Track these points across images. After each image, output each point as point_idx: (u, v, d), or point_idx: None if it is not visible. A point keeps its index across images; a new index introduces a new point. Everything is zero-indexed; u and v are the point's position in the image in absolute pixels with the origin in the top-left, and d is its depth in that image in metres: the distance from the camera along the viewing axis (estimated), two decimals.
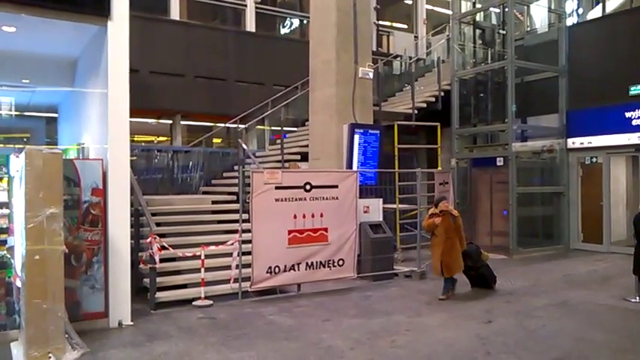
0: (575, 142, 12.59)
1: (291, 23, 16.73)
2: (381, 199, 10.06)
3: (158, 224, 8.19)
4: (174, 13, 13.99)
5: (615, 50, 12.02)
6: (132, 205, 7.10)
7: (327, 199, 8.48)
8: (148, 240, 7.35)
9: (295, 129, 13.65)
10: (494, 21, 14.58)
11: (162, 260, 7.52)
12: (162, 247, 7.45)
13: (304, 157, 11.05)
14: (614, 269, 10.06)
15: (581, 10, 13.75)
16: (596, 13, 13.51)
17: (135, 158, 11.46)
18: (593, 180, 12.41)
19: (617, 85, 11.81)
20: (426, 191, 11.06)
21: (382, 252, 9.35)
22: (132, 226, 7.37)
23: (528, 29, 15.17)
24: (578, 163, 12.78)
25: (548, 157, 13.14)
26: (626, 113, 11.58)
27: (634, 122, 11.47)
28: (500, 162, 12.13)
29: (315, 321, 6.81)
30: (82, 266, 6.38)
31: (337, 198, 8.59)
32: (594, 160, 12.61)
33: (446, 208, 8.07)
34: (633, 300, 7.39)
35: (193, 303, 7.53)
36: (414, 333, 6.28)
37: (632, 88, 11.58)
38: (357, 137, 10.00)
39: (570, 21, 13.36)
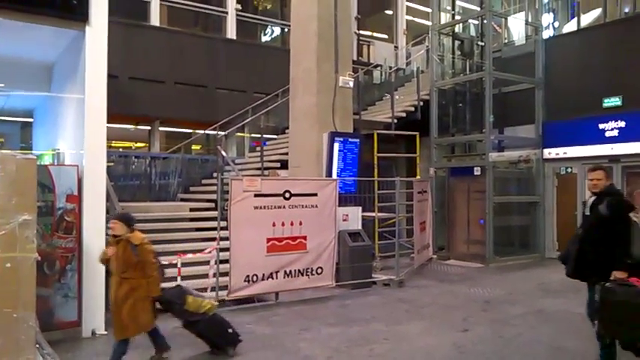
0: (550, 152, 12.81)
1: (272, 31, 16.76)
2: (360, 208, 10.06)
3: None
4: (155, 19, 13.89)
5: (590, 63, 12.29)
6: (108, 212, 7.00)
7: (306, 207, 8.46)
8: None
9: (275, 137, 13.63)
10: (472, 32, 14.81)
11: None
12: None
13: (284, 165, 11.03)
14: None
15: (557, 24, 14.05)
16: (571, 26, 13.81)
17: (112, 164, 11.30)
18: (568, 190, 12.61)
19: (591, 97, 12.06)
20: (405, 200, 11.13)
21: (361, 260, 9.36)
22: (107, 234, 7.25)
23: (506, 41, 15.44)
24: (554, 173, 12.99)
25: (524, 167, 13.34)
26: (599, 125, 11.83)
27: (607, 134, 11.73)
28: (477, 171, 12.26)
29: (293, 330, 6.77)
30: (56, 274, 6.26)
31: (316, 206, 8.58)
32: (569, 170, 12.83)
33: (118, 232, 5.17)
34: None
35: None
36: (392, 341, 6.29)
37: (605, 101, 11.84)
38: (336, 145, 10.03)
39: (547, 34, 13.62)
